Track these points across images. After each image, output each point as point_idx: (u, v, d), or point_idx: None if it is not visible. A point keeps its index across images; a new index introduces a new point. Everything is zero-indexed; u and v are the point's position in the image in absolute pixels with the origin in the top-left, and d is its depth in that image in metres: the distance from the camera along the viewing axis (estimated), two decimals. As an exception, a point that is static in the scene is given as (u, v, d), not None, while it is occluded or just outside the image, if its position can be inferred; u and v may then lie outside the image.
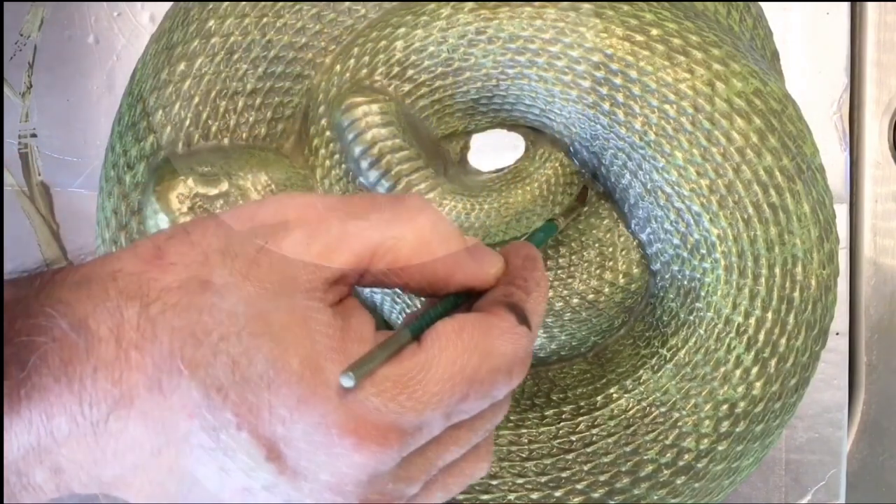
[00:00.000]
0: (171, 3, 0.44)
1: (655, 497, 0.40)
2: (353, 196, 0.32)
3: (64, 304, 0.25)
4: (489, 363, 0.27)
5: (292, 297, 0.26)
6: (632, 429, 0.40)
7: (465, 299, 0.30)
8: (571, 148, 0.43)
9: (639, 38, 0.39)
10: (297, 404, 0.25)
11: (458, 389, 0.26)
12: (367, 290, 0.42)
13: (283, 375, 0.25)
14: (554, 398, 0.42)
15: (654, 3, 0.40)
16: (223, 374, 0.25)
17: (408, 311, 0.42)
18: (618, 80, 0.39)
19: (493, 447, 0.33)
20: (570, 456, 0.40)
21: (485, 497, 0.40)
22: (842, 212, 0.45)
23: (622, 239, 0.43)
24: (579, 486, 0.40)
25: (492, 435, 0.31)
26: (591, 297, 0.43)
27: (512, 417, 0.41)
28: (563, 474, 0.40)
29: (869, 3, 0.47)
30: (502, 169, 0.44)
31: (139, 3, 0.46)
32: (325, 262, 0.27)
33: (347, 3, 0.42)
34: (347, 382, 0.25)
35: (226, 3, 0.42)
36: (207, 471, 0.25)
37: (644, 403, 0.41)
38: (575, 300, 0.43)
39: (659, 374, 0.41)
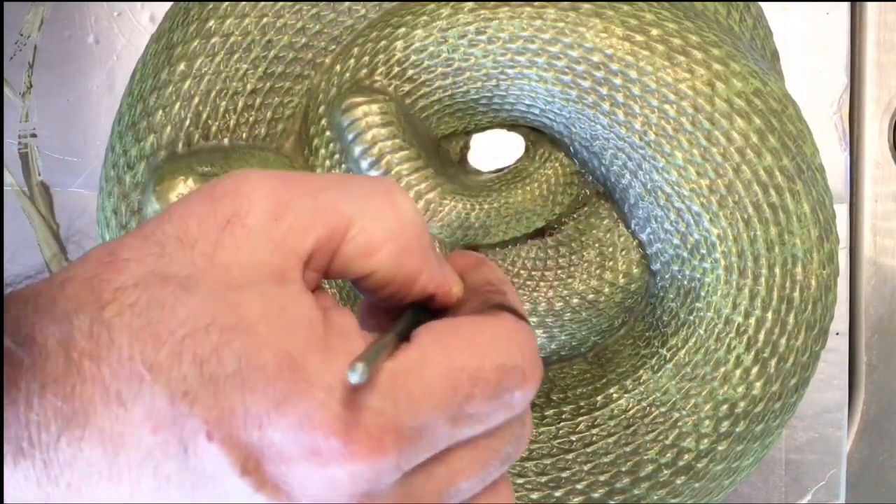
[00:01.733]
0: (171, 3, 0.44)
1: (655, 497, 0.40)
2: (326, 173, 0.29)
3: (9, 322, 0.22)
4: (493, 359, 0.24)
5: (264, 282, 0.23)
6: (632, 429, 0.40)
7: (424, 316, 0.26)
8: (571, 148, 0.43)
9: (639, 38, 0.39)
10: (274, 405, 0.21)
11: (461, 387, 0.23)
12: None
13: (258, 373, 0.21)
14: (554, 398, 0.42)
15: (654, 3, 0.40)
16: (190, 376, 0.21)
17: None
18: (618, 81, 0.39)
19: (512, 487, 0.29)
20: (570, 456, 0.40)
21: (485, 497, 0.40)
22: (842, 212, 0.45)
23: (622, 239, 0.43)
24: (579, 486, 0.40)
25: (507, 476, 0.27)
26: (591, 297, 0.43)
27: (512, 417, 0.41)
28: (563, 474, 0.40)
29: (869, 3, 0.47)
30: (502, 169, 0.44)
31: (139, 3, 0.46)
32: (298, 238, 0.24)
33: (347, 3, 0.42)
34: (356, 378, 0.21)
35: (226, 3, 0.42)
36: (176, 495, 0.22)
37: (644, 403, 0.41)
38: (575, 300, 0.43)
39: (659, 374, 0.41)
